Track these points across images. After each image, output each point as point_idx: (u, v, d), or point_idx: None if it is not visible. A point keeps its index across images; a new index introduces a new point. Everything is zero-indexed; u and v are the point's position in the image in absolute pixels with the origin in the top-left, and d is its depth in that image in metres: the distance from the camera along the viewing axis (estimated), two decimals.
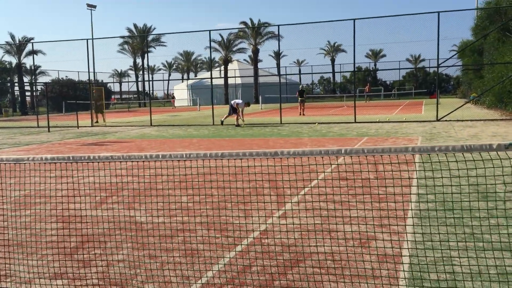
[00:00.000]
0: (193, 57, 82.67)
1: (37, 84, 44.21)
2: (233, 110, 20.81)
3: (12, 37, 53.25)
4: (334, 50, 74.41)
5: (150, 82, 70.66)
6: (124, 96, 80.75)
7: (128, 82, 78.72)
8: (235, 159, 3.25)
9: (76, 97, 46.97)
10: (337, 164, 8.94)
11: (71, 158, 3.45)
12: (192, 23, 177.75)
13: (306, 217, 5.44)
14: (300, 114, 27.41)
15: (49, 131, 22.17)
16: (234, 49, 60.97)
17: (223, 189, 6.68)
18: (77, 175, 8.86)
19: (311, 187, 7.28)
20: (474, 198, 6.15)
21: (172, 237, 5.02)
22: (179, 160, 3.33)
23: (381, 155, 2.99)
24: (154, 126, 23.55)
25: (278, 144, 13.51)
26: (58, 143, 16.32)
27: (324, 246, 4.30)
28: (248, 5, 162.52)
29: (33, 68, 50.72)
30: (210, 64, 30.37)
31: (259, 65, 63.06)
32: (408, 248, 4.47)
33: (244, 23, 59.58)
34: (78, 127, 24.01)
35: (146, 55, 51.76)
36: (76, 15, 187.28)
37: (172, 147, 13.75)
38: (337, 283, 3.71)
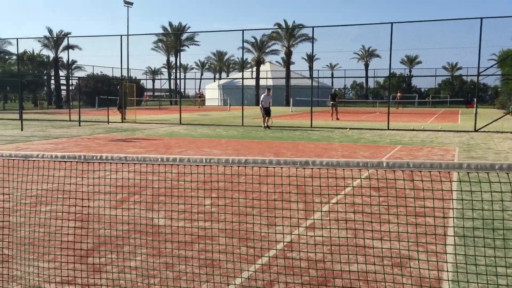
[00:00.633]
0: (226, 57, 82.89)
1: (72, 78, 44.97)
2: (265, 111, 20.58)
3: (50, 31, 54.43)
4: (368, 55, 73.28)
5: (182, 81, 71.12)
6: (156, 94, 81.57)
7: (160, 79, 79.49)
8: (259, 167, 2.91)
9: (110, 92, 47.60)
10: (369, 173, 8.50)
11: (82, 157, 3.18)
12: (227, 24, 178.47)
13: (338, 229, 5.05)
14: (332, 119, 26.85)
15: (80, 125, 22.35)
16: (267, 50, 60.74)
17: (248, 194, 6.35)
18: (98, 173, 8.69)
19: (341, 195, 6.88)
20: None
21: (192, 244, 4.72)
22: (197, 165, 3.01)
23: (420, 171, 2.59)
24: (184, 124, 23.45)
25: (308, 149, 13.11)
26: (87, 137, 16.34)
27: (356, 263, 3.92)
28: (283, 6, 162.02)
29: (68, 62, 51.69)
30: (242, 65, 30.20)
31: (291, 67, 62.67)
32: (448, 271, 4.04)
33: (278, 24, 59.25)
34: (108, 122, 24.14)
35: (179, 54, 51.96)
36: (114, 12, 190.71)
37: (200, 146, 13.52)
38: None
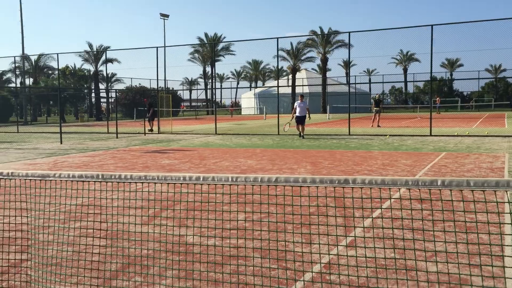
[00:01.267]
0: (261, 66, 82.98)
1: (111, 91, 45.85)
2: (299, 120, 19.82)
3: (90, 46, 55.85)
4: (407, 59, 71.74)
5: (218, 90, 71.55)
6: (193, 104, 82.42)
7: (197, 89, 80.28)
8: (292, 186, 2.57)
9: (148, 104, 48.26)
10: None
11: (100, 177, 2.93)
12: (262, 33, 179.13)
13: (384, 248, 4.63)
14: (372, 125, 26.09)
15: (117, 137, 22.57)
16: (302, 57, 60.37)
17: (282, 208, 6.00)
18: (129, 187, 8.54)
19: (384, 208, 6.42)
20: None
21: (223, 266, 4.40)
22: (223, 185, 2.70)
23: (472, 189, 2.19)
24: (219, 134, 23.33)
25: (346, 157, 12.63)
26: (123, 149, 16.39)
27: None
28: (319, 13, 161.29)
29: (107, 75, 52.84)
30: (277, 73, 29.94)
31: (328, 74, 61.99)
32: None
33: (313, 31, 58.78)
34: (145, 133, 24.31)
35: (214, 64, 52.32)
36: (150, 25, 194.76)
37: (234, 157, 13.27)
38: None
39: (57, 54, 29.35)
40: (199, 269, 4.29)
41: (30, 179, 3.19)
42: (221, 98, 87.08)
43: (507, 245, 4.85)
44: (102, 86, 59.76)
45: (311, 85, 48.51)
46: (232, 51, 66.10)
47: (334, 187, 2.49)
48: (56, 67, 43.13)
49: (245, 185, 2.65)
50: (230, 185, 2.69)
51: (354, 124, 25.90)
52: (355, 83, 62.90)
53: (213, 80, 70.92)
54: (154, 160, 12.81)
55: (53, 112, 68.39)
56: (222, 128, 27.89)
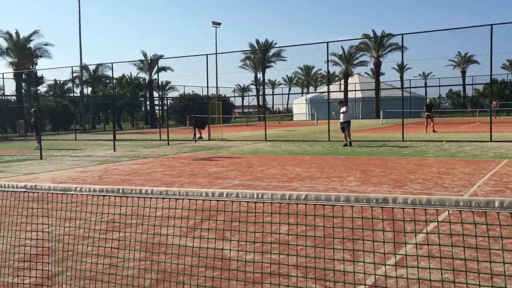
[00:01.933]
0: (313, 71, 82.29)
1: (165, 98, 46.88)
2: (342, 127, 18.61)
3: (144, 55, 57.42)
4: (465, 61, 68.90)
5: (269, 96, 71.57)
6: (245, 110, 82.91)
7: (248, 96, 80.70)
8: (333, 205, 2.27)
9: (200, 111, 48.97)
10: (470, 193, 7.41)
11: (120, 191, 2.75)
12: (314, 38, 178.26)
13: (441, 270, 4.20)
14: (426, 131, 25.06)
15: (168, 144, 22.87)
16: (355, 62, 59.33)
17: (329, 220, 5.66)
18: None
19: (440, 222, 5.94)
20: None
21: (262, 284, 4.14)
22: (255, 202, 2.44)
23: None
24: (269, 141, 23.13)
25: (399, 165, 12.05)
26: (172, 157, 16.51)
27: None
28: (371, 16, 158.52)
29: (160, 83, 54.07)
30: (328, 77, 29.43)
31: (381, 78, 60.52)
32: None
33: (366, 35, 57.61)
34: (195, 140, 24.50)
35: (265, 70, 52.38)
36: (202, 33, 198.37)
37: (283, 164, 12.99)
38: None
39: (112, 63, 30.25)
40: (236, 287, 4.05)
41: (52, 193, 3.07)
42: (272, 105, 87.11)
43: None
44: (156, 94, 61.29)
45: (364, 90, 47.49)
46: (283, 57, 66.01)
47: (371, 207, 2.17)
48: (115, 76, 44.67)
49: (271, 202, 2.38)
50: (271, 203, 2.43)
51: (408, 130, 24.96)
52: (409, 87, 61.07)
53: (264, 86, 71.03)
54: (202, 168, 12.76)
55: (111, 120, 70.84)
56: (272, 134, 27.69)
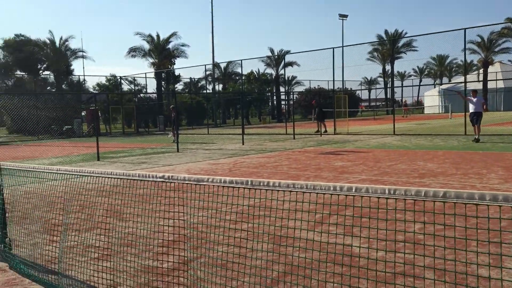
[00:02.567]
0: (447, 60, 76.97)
1: (291, 93, 47.48)
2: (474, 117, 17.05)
3: (272, 51, 58.66)
4: None
5: (398, 89, 68.62)
6: (372, 104, 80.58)
7: (375, 89, 78.22)
8: (476, 204, 2.07)
9: (326, 105, 48.73)
10: None
11: (249, 183, 2.80)
12: (450, 26, 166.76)
13: None
14: None
15: (294, 138, 23.10)
16: (496, 49, 54.21)
17: (470, 220, 5.21)
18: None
19: None
20: None
21: (394, 285, 3.94)
22: (386, 198, 2.31)
23: None
24: (397, 135, 22.17)
25: None
26: (298, 150, 16.63)
27: None
28: None
29: (286, 78, 54.81)
30: (464, 67, 27.34)
31: None
32: None
33: (510, 18, 52.24)
34: (321, 134, 24.41)
35: (394, 61, 50.27)
36: (329, 26, 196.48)
37: (412, 159, 12.34)
38: None
39: (241, 60, 31.37)
40: (363, 285, 3.92)
41: (187, 183, 3.23)
42: (402, 97, 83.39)
43: None
44: (282, 89, 62.33)
45: (506, 79, 43.13)
46: (414, 47, 62.68)
47: None
48: (244, 73, 46.46)
49: (404, 199, 2.23)
50: (386, 198, 2.29)
51: None
52: None
53: (392, 78, 68.25)
54: (327, 162, 12.65)
55: (240, 115, 73.78)
56: (401, 128, 26.49)
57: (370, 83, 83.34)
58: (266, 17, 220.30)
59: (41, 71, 43.80)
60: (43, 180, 5.27)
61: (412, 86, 78.64)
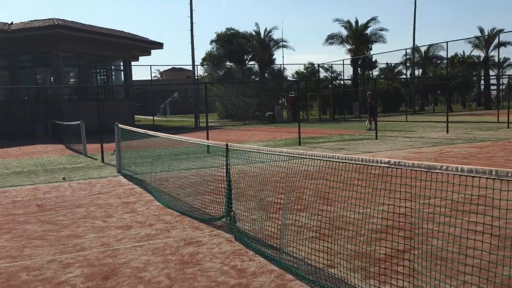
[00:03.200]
0: None
1: (501, 77, 42.42)
2: None
3: (481, 30, 53.16)
4: None
5: None
6: None
7: None
8: None
9: None
10: None
11: (493, 173, 2.57)
12: None
13: None
14: None
15: (508, 127, 20.64)
16: None
17: None
18: None
19: None
20: None
21: None
22: None
23: None
24: None
25: None
26: None
27: None
28: None
29: (499, 60, 49.13)
30: None
31: None
32: None
33: None
34: None
35: None
36: None
37: None
38: None
39: (446, 42, 29.22)
40: None
41: (416, 170, 3.13)
42: None
43: None
44: (492, 72, 56.12)
45: None
46: None
47: None
48: (445, 56, 43.15)
49: None
50: None
51: None
52: None
53: None
54: None
55: (440, 102, 68.93)
56: None
57: None
58: None
59: (247, 61, 47.54)
60: (262, 161, 5.71)
61: None
